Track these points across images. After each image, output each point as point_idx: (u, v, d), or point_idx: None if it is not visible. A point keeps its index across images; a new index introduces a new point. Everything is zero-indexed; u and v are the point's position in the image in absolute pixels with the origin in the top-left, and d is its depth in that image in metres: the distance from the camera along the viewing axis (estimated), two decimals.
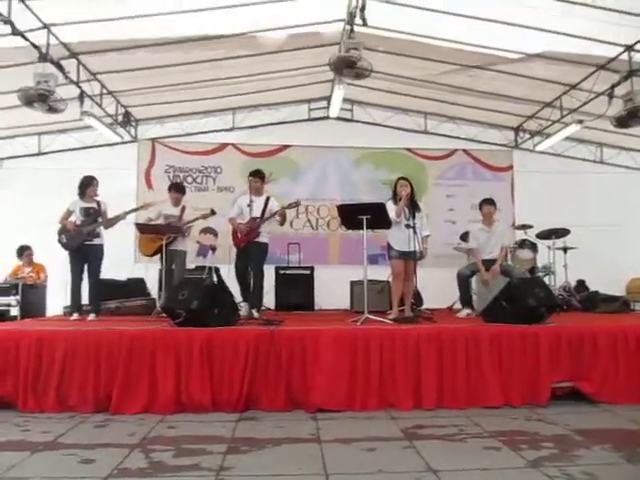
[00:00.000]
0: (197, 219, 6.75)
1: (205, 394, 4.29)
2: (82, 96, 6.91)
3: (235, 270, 6.45)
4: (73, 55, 6.45)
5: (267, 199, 6.50)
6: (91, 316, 6.14)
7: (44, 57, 5.68)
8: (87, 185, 6.25)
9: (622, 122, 6.33)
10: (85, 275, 6.23)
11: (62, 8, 5.37)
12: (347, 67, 5.40)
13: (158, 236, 6.54)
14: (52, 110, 5.97)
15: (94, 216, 6.21)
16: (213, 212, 6.69)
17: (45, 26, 5.66)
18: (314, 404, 4.28)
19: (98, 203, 6.30)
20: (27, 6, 5.21)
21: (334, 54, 5.65)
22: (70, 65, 6.36)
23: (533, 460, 3.15)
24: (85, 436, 3.69)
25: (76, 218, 6.21)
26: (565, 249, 8.21)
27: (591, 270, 8.40)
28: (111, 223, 6.28)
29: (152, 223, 6.67)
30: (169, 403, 4.26)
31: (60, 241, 6.15)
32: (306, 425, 3.94)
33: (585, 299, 7.75)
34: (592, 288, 8.23)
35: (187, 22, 5.99)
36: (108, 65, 6.89)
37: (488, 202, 6.80)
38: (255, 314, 6.17)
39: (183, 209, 6.81)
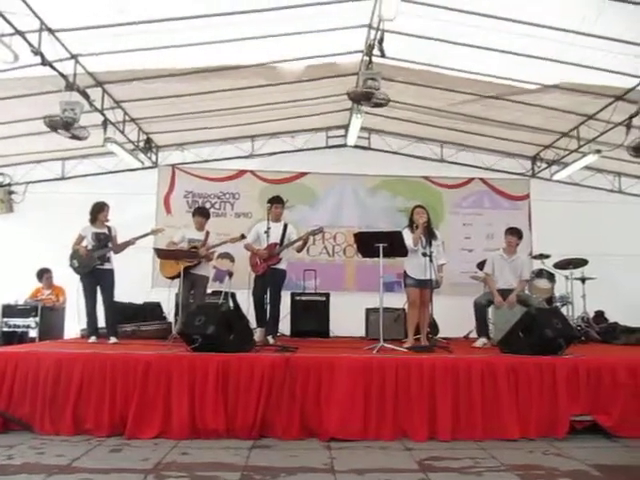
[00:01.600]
0: (225, 242, 6.81)
1: (219, 420, 4.29)
2: (106, 123, 7.08)
3: (253, 296, 6.50)
4: (98, 84, 6.65)
5: (285, 226, 6.57)
6: (112, 339, 6.20)
7: (71, 86, 5.86)
8: (99, 211, 6.38)
9: (638, 150, 6.33)
10: (99, 299, 6.32)
11: (89, 39, 5.56)
12: (365, 100, 5.49)
13: (185, 260, 6.58)
14: (75, 137, 6.14)
15: (105, 241, 6.33)
16: (243, 236, 6.66)
17: (73, 57, 5.86)
18: (328, 433, 4.25)
19: (109, 228, 6.41)
20: (56, 37, 5.39)
21: (352, 88, 5.76)
22: (95, 93, 6.55)
23: None
24: (100, 460, 3.71)
25: (87, 243, 6.32)
26: (583, 279, 8.12)
27: (610, 301, 8.30)
28: (120, 248, 6.39)
29: (172, 248, 6.72)
30: (183, 429, 4.26)
31: (72, 265, 6.27)
32: (320, 454, 3.91)
33: (604, 330, 7.64)
34: (611, 319, 8.12)
35: (207, 53, 6.14)
36: (131, 93, 7.08)
37: (509, 232, 6.75)
38: (271, 340, 6.22)
39: (207, 234, 6.87)
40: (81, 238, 6.34)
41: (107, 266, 6.32)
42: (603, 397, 4.53)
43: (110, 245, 6.34)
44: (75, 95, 5.98)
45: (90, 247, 6.29)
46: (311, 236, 6.64)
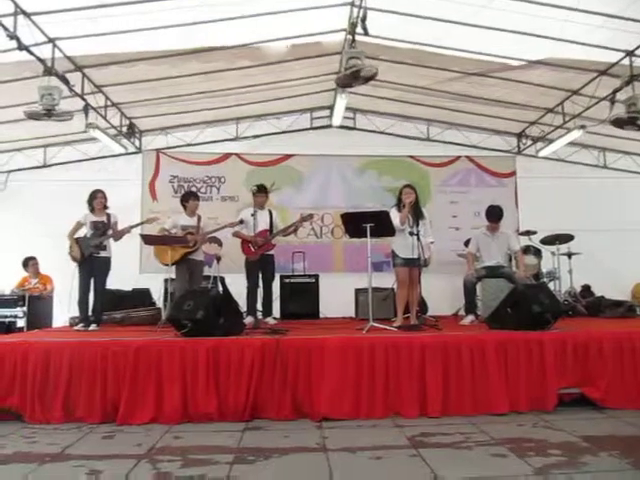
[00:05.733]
0: (225, 227, 6.81)
1: (211, 404, 4.29)
2: (87, 108, 6.95)
3: (248, 281, 6.66)
4: (78, 68, 6.52)
5: (270, 212, 6.77)
6: (92, 326, 6.20)
7: (49, 71, 5.73)
8: (92, 198, 6.38)
9: (619, 123, 6.36)
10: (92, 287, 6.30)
11: (66, 22, 5.43)
12: (354, 80, 5.43)
13: (182, 246, 6.54)
14: (59, 120, 6.04)
15: (102, 230, 6.29)
16: (241, 221, 6.71)
17: (50, 40, 5.72)
18: (320, 413, 4.28)
19: (108, 216, 6.38)
20: (33, 21, 5.26)
21: (338, 75, 5.69)
22: (75, 78, 6.42)
23: (540, 467, 3.14)
24: (92, 447, 3.70)
25: (86, 231, 6.31)
26: (569, 254, 8.20)
27: (596, 275, 8.42)
28: (119, 236, 6.39)
29: (160, 234, 6.68)
30: (175, 413, 4.26)
31: (70, 253, 6.22)
32: (312, 434, 3.94)
33: (590, 304, 7.74)
34: (597, 293, 8.23)
35: (189, 34, 6.04)
36: (112, 77, 6.95)
37: (488, 218, 6.70)
38: (272, 321, 6.57)
39: (199, 219, 6.87)
40: (79, 226, 6.33)
41: (103, 254, 6.29)
42: (590, 370, 4.59)
43: (109, 233, 6.31)
44: (54, 80, 5.86)
45: (88, 235, 6.27)
46: (303, 222, 6.82)
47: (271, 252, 6.77)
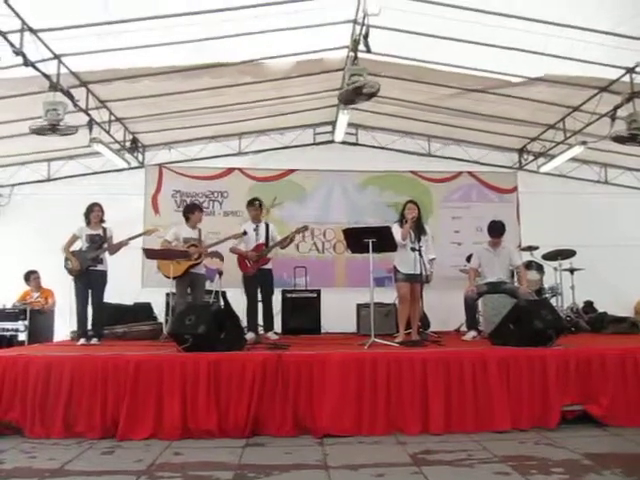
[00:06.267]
0: (228, 238, 6.79)
1: (212, 420, 4.27)
2: (91, 123, 7.01)
3: (247, 296, 6.63)
4: (83, 84, 6.58)
5: (267, 226, 6.77)
6: (93, 340, 6.20)
7: (54, 86, 5.79)
8: (89, 212, 6.40)
9: (620, 140, 6.41)
10: (90, 300, 6.30)
11: (72, 39, 5.48)
12: (356, 96, 5.46)
13: (186, 260, 6.53)
14: (64, 134, 6.09)
15: (99, 243, 6.30)
16: (245, 233, 6.72)
17: (56, 56, 5.78)
18: (321, 429, 4.25)
19: (104, 230, 6.39)
20: (39, 38, 5.33)
21: (341, 91, 5.74)
22: (79, 93, 6.48)
23: None
24: (92, 463, 3.68)
25: (82, 244, 6.31)
26: (572, 270, 8.18)
27: (598, 291, 8.38)
28: (115, 249, 6.38)
29: (163, 248, 6.67)
30: (176, 429, 4.24)
31: (66, 267, 6.23)
32: (313, 451, 3.91)
33: (593, 320, 7.71)
34: (600, 309, 8.19)
35: (192, 51, 6.09)
36: (116, 93, 7.01)
37: (490, 233, 6.68)
38: (274, 336, 6.54)
39: (200, 232, 6.87)
40: (75, 238, 6.34)
41: (100, 267, 6.30)
42: (593, 387, 4.56)
43: (105, 246, 6.31)
44: (59, 95, 5.91)
45: (84, 248, 6.28)
46: (296, 234, 6.83)
47: (268, 266, 6.76)
